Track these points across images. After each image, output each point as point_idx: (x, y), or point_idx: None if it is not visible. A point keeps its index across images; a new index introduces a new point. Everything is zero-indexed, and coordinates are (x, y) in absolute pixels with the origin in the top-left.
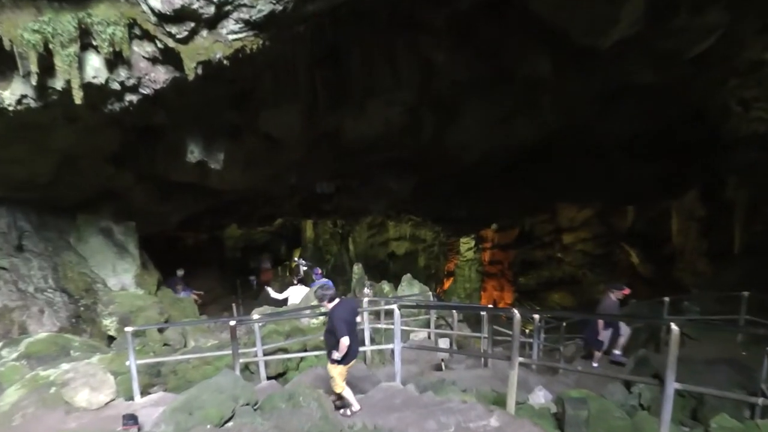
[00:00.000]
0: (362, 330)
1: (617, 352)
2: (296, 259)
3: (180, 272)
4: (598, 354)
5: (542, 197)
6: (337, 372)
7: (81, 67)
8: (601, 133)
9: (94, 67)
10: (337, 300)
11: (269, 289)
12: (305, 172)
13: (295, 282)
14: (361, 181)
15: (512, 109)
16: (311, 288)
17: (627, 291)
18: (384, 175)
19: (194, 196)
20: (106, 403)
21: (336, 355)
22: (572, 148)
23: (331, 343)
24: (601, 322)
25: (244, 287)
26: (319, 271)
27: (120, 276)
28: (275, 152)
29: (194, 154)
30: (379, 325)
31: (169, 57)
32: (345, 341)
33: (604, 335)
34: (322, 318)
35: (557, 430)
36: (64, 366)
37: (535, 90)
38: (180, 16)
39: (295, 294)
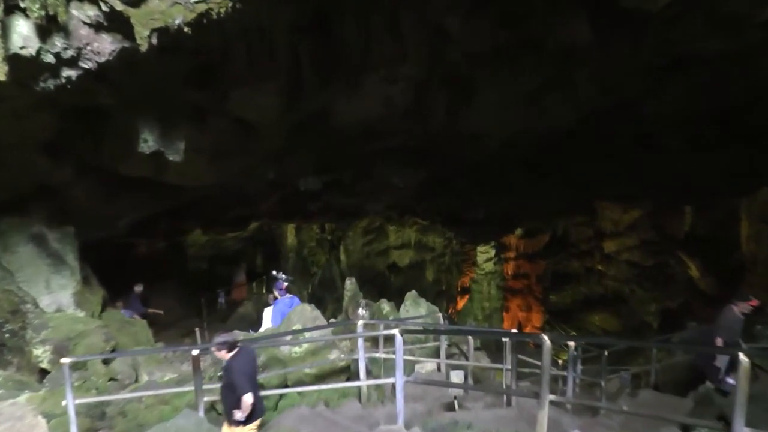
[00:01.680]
0: (356, 360)
1: (730, 380)
2: (274, 272)
3: (138, 288)
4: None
5: (578, 195)
6: None
7: (5, 34)
8: (651, 116)
9: (23, 34)
10: (236, 349)
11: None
12: (286, 164)
13: (270, 301)
14: (354, 176)
15: (541, 86)
16: (274, 305)
17: (755, 302)
18: (383, 168)
19: (149, 195)
20: None
21: (239, 416)
22: (615, 134)
23: (231, 402)
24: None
25: (211, 307)
26: (283, 285)
27: (55, 294)
28: (249, 140)
29: (148, 143)
30: (378, 355)
31: (116, 23)
32: (248, 399)
33: (721, 360)
34: (306, 346)
35: None
36: None
37: (568, 62)
38: None
39: (270, 316)
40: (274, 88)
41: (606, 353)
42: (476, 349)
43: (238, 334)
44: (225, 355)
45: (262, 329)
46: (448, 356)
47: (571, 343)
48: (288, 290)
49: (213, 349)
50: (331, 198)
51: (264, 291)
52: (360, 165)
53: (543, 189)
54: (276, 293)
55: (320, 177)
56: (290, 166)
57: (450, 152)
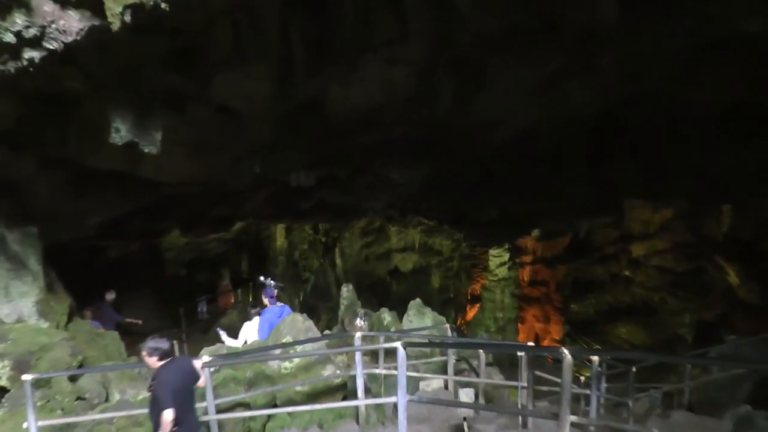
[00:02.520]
0: (354, 377)
1: None
2: (262, 278)
3: (110, 296)
4: None
5: (603, 192)
6: None
7: None
8: (685, 104)
9: None
10: (169, 359)
11: (221, 333)
12: (276, 157)
13: (251, 316)
14: (352, 171)
15: (560, 70)
16: (262, 315)
17: None
18: (384, 162)
19: (121, 191)
20: None
21: None
22: (644, 124)
23: (155, 418)
24: None
25: (190, 317)
26: (273, 292)
27: (15, 302)
28: (234, 130)
29: (120, 132)
30: (378, 371)
31: None
32: (167, 415)
33: None
34: (297, 361)
35: None
36: None
37: (591, 44)
38: None
39: (254, 331)
40: (263, 73)
41: (634, 369)
42: (488, 364)
43: (221, 347)
44: (155, 363)
45: (237, 342)
46: (457, 372)
47: (595, 358)
48: (278, 298)
49: (143, 353)
50: (326, 195)
51: (251, 299)
52: (358, 159)
53: (564, 186)
54: (266, 301)
55: (313, 172)
56: (280, 159)
57: (458, 145)
